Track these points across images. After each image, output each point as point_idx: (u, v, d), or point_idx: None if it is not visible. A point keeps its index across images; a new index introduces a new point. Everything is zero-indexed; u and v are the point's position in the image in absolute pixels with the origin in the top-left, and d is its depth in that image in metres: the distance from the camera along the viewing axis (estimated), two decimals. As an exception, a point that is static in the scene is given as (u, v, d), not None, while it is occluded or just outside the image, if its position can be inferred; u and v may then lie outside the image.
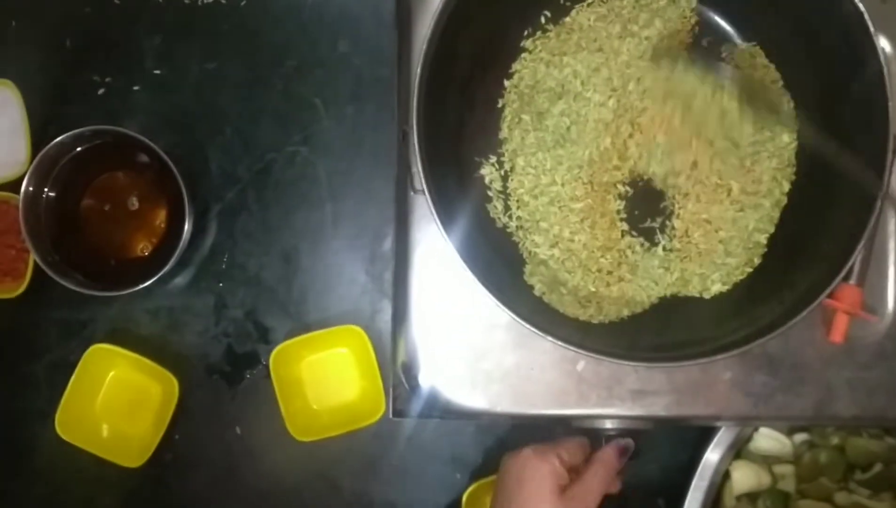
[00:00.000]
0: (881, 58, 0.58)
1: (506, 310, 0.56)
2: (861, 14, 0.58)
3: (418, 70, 0.57)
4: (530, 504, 0.57)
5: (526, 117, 0.66)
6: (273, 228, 0.79)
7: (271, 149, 0.79)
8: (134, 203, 0.76)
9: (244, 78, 0.80)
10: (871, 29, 0.58)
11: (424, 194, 0.55)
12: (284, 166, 0.79)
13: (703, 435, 0.72)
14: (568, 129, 0.65)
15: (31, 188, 0.70)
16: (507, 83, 0.68)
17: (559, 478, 0.58)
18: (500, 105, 0.68)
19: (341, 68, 0.80)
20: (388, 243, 0.78)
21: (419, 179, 0.56)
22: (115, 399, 0.76)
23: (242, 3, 0.80)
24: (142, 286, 0.72)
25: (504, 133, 0.68)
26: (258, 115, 0.79)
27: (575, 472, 0.60)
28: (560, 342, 0.56)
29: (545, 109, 0.65)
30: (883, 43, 0.67)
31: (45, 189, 0.72)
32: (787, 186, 0.66)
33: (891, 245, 0.67)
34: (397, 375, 0.68)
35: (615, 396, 0.65)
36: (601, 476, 0.60)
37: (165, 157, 0.71)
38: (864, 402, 0.65)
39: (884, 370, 0.66)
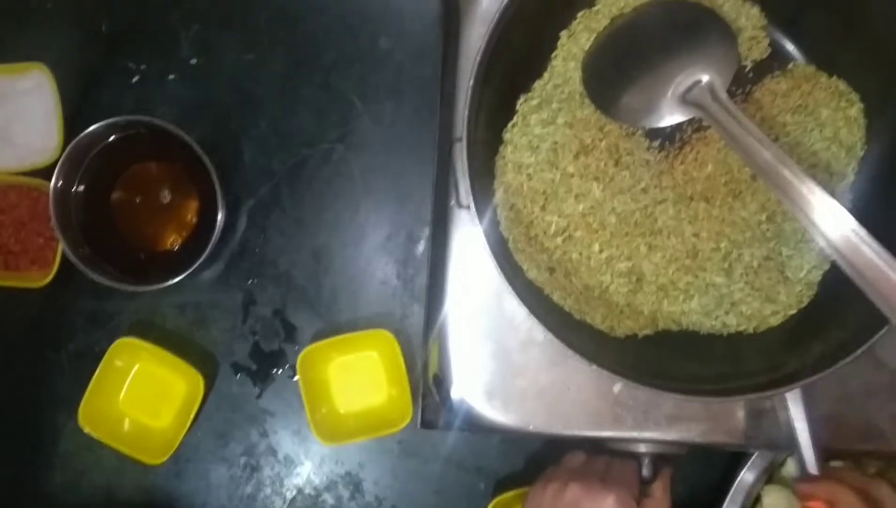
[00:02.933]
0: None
1: (558, 340, 0.54)
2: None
3: (471, 83, 0.54)
4: None
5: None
6: (305, 225, 0.77)
7: (307, 144, 0.78)
8: (166, 195, 0.74)
9: (282, 70, 0.78)
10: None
11: (471, 211, 0.53)
12: (319, 163, 0.78)
13: (734, 456, 0.71)
14: None
15: (60, 183, 0.68)
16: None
17: None
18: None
19: (381, 64, 0.78)
20: (421, 246, 0.77)
21: (466, 195, 0.54)
22: (139, 394, 0.75)
23: (282, -7, 0.78)
24: (171, 282, 0.70)
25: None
26: (295, 108, 0.78)
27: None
28: (604, 369, 0.54)
29: None
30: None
31: (75, 182, 0.70)
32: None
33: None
34: (427, 386, 0.67)
35: (651, 420, 0.64)
36: None
37: (199, 150, 0.70)
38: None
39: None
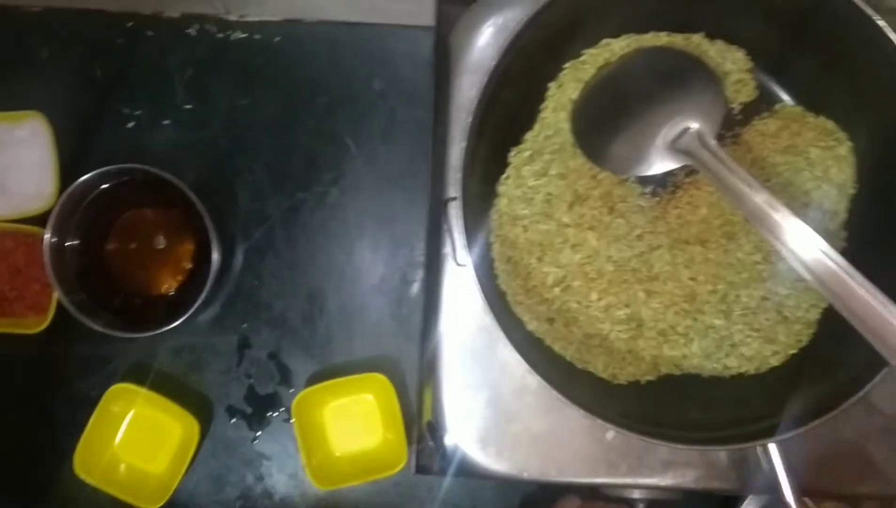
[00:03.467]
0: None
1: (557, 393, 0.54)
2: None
3: (464, 145, 0.55)
4: None
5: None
6: (300, 268, 0.78)
7: (301, 188, 0.78)
8: (161, 241, 0.75)
9: (276, 114, 0.78)
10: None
11: (469, 269, 0.53)
12: (314, 206, 0.78)
13: (729, 500, 0.71)
14: None
15: (54, 235, 0.68)
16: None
17: None
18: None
19: (375, 107, 0.78)
20: (416, 287, 0.77)
21: (463, 255, 0.54)
22: (135, 439, 0.75)
23: (276, 39, 0.79)
24: (166, 329, 0.70)
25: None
26: (289, 152, 0.78)
27: None
28: (607, 422, 0.54)
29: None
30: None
31: (70, 232, 0.71)
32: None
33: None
34: (422, 431, 0.67)
35: (645, 465, 0.64)
36: None
37: (193, 195, 0.70)
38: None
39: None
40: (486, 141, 0.59)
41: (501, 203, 0.63)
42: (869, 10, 0.55)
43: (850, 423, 0.65)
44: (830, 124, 0.63)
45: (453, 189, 0.57)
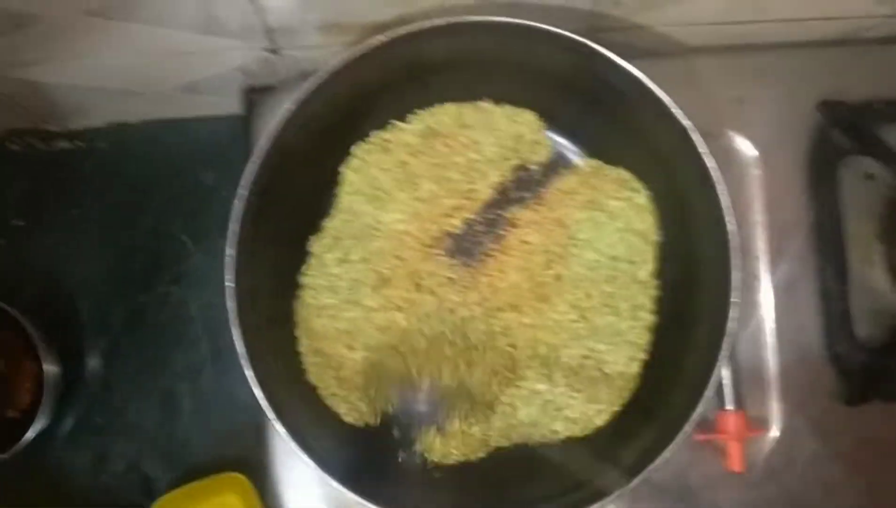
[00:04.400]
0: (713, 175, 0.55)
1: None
2: (685, 131, 0.55)
3: (235, 227, 0.54)
4: None
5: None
6: (150, 372, 0.76)
7: (142, 291, 0.77)
8: (1, 367, 0.73)
9: (109, 220, 0.77)
10: (700, 149, 0.54)
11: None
12: (157, 308, 0.77)
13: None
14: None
15: None
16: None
17: None
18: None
19: (208, 201, 0.77)
20: (271, 377, 0.75)
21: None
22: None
23: (102, 145, 0.78)
24: (11, 452, 0.69)
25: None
26: (127, 256, 0.77)
27: None
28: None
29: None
30: (741, 144, 0.65)
31: None
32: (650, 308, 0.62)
33: (770, 356, 0.64)
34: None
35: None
36: None
37: (18, 314, 0.69)
38: (757, 525, 0.62)
39: (775, 487, 0.63)
40: (279, 229, 0.58)
41: (307, 295, 0.62)
42: (628, 66, 0.54)
43: (696, 471, 0.63)
44: (627, 175, 0.63)
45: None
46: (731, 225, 0.54)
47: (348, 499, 0.54)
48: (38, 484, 0.75)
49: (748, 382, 0.63)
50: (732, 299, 0.53)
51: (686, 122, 0.54)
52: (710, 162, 0.54)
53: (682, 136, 0.55)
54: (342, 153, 0.62)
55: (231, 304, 0.54)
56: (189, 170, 0.78)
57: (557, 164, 0.64)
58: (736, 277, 0.53)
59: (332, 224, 0.62)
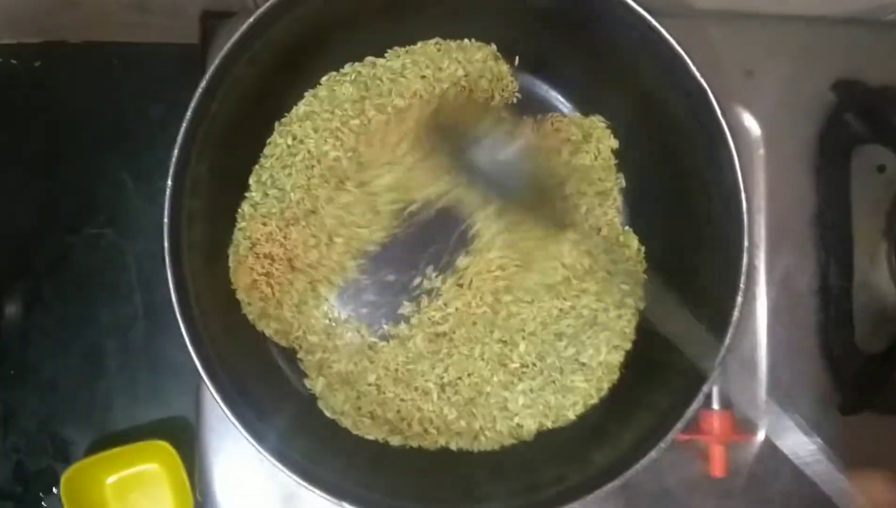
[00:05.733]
0: (730, 144, 0.49)
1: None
2: (705, 91, 0.48)
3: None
4: None
5: None
6: (73, 324, 0.69)
7: (70, 231, 0.69)
8: None
9: (39, 151, 0.70)
10: (718, 111, 0.48)
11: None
12: (86, 251, 0.69)
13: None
14: None
15: None
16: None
17: None
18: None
19: (155, 138, 0.69)
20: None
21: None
22: None
23: (37, 63, 0.69)
24: None
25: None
26: (56, 192, 0.69)
27: None
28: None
29: None
30: (747, 121, 0.59)
31: None
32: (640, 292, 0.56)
33: (762, 355, 0.58)
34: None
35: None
36: None
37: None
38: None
39: (756, 496, 0.57)
40: (219, 163, 0.51)
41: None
42: (643, 12, 0.48)
43: (675, 474, 0.58)
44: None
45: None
46: (744, 203, 0.48)
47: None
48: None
49: (736, 380, 0.57)
50: (741, 285, 0.47)
51: (702, 82, 0.48)
52: (726, 132, 0.48)
53: (695, 97, 0.49)
54: (294, 89, 0.55)
55: (168, 243, 0.46)
56: (135, 103, 0.70)
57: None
58: (745, 260, 0.47)
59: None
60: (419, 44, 0.57)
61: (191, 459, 0.64)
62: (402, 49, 0.57)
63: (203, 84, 0.48)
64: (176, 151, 0.47)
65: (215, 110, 0.49)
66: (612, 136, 0.58)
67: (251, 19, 0.48)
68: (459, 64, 0.56)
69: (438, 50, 0.57)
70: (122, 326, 0.68)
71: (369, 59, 0.57)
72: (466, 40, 0.57)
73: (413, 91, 0.56)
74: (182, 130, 0.47)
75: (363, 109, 0.56)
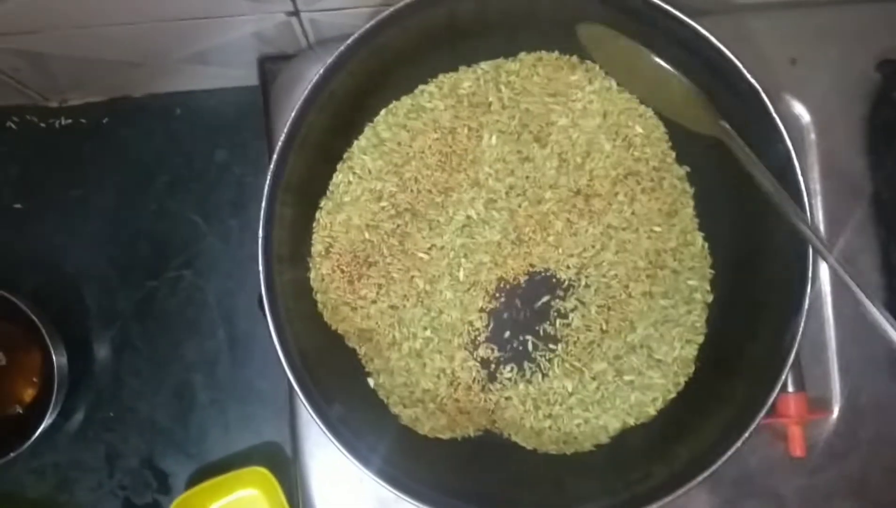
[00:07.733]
0: (786, 140, 0.50)
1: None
2: (757, 92, 0.50)
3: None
4: None
5: None
6: (162, 363, 0.72)
7: (151, 276, 0.72)
8: (1, 359, 0.68)
9: (113, 202, 0.73)
10: (772, 109, 0.50)
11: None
12: (167, 294, 0.72)
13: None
14: None
15: None
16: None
17: None
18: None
19: (221, 179, 0.73)
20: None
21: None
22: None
23: (105, 120, 0.73)
24: (19, 451, 0.64)
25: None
26: (133, 240, 0.72)
27: None
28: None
29: None
30: (798, 109, 0.60)
31: None
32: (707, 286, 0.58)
33: (830, 333, 0.60)
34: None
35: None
36: None
37: (23, 305, 0.64)
38: (821, 511, 0.58)
39: (836, 472, 0.59)
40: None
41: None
42: (691, 22, 0.50)
43: (755, 456, 0.59)
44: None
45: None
46: (803, 189, 0.50)
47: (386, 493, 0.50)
48: (48, 482, 0.71)
49: (807, 362, 0.59)
50: (809, 274, 0.49)
51: (754, 82, 0.50)
52: (782, 130, 0.50)
53: (748, 98, 0.50)
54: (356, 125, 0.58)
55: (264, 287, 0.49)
56: (200, 148, 0.73)
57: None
58: (810, 251, 0.49)
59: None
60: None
61: (285, 482, 0.68)
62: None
63: (283, 138, 0.50)
64: (264, 204, 0.50)
65: (293, 162, 0.51)
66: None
67: (321, 70, 0.50)
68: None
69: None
70: (209, 361, 0.72)
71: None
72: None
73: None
74: (268, 179, 0.50)
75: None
